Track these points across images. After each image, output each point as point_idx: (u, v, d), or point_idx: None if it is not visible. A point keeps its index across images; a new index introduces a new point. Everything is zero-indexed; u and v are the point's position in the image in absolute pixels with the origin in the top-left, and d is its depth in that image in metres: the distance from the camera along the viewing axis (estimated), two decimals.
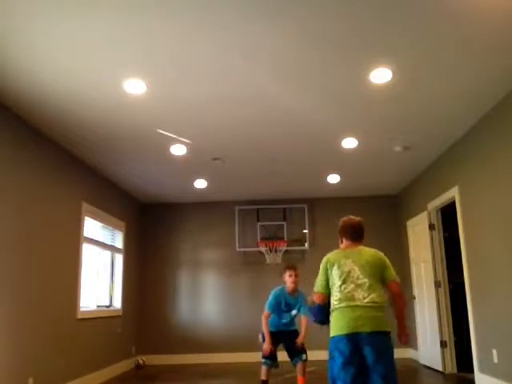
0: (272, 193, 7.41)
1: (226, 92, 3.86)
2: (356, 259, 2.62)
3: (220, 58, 3.33)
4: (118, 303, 6.68)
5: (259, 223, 7.61)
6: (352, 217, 2.88)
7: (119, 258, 6.84)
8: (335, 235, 8.08)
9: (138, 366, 6.97)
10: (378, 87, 3.80)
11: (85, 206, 5.55)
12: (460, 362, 5.70)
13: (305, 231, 7.63)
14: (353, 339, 2.42)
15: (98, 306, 6.08)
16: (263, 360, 4.66)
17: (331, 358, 2.50)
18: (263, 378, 4.69)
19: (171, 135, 4.73)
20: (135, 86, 3.69)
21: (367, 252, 2.69)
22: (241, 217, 7.74)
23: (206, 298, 7.64)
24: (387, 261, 2.69)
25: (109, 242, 6.54)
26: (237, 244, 7.60)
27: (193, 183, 6.64)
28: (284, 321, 4.55)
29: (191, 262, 7.75)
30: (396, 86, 3.80)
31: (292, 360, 4.56)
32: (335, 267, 2.63)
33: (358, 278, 2.56)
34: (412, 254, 6.85)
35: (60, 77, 3.53)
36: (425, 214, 6.20)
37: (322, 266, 2.71)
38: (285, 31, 3.03)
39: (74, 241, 5.28)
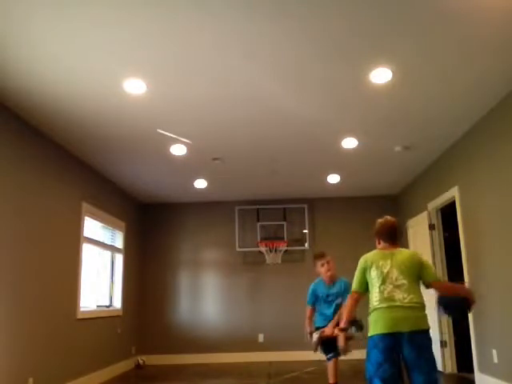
0: (272, 193, 7.41)
1: (225, 92, 3.86)
2: (394, 260, 2.67)
3: (220, 58, 3.33)
4: (118, 303, 6.68)
5: (259, 223, 7.61)
6: (388, 217, 2.93)
7: (119, 258, 6.84)
8: (335, 235, 8.06)
9: (138, 366, 6.97)
10: (378, 87, 3.80)
11: (85, 205, 5.55)
12: (460, 362, 5.70)
13: (305, 231, 7.63)
14: (393, 338, 2.47)
15: (98, 306, 6.08)
16: (328, 356, 4.18)
17: (369, 356, 2.55)
18: (332, 381, 4.23)
19: (171, 135, 4.73)
20: (135, 86, 3.69)
21: (405, 253, 2.74)
22: (241, 217, 7.73)
23: (206, 297, 7.64)
24: (425, 261, 2.75)
25: (109, 242, 6.54)
26: (237, 244, 7.60)
27: (193, 183, 6.64)
28: (328, 312, 4.23)
29: (191, 262, 7.75)
30: (396, 86, 3.80)
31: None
32: (373, 268, 2.68)
33: (396, 280, 2.60)
34: None
35: (60, 77, 3.53)
36: (425, 214, 6.20)
37: (359, 266, 2.77)
38: (285, 31, 3.03)
39: (74, 241, 5.28)
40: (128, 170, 5.96)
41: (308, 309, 4.35)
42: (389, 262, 2.66)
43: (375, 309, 2.59)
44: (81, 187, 5.49)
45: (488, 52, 3.32)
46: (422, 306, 2.58)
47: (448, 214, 5.84)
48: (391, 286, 2.58)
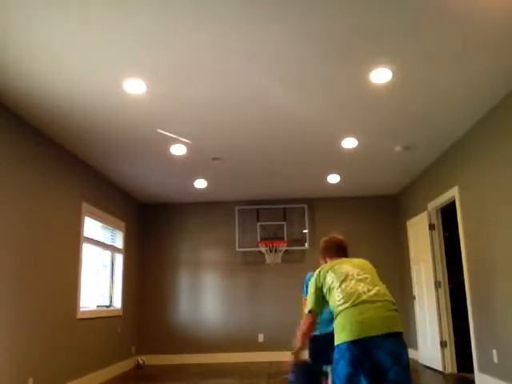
0: (272, 193, 7.41)
1: (226, 92, 3.86)
2: (351, 262, 2.45)
3: (220, 57, 3.33)
4: (118, 303, 6.69)
5: (259, 223, 7.61)
6: (335, 235, 2.75)
7: (119, 258, 6.84)
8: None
9: (138, 366, 6.97)
10: (378, 87, 3.81)
11: (85, 206, 5.55)
12: (460, 362, 5.70)
13: (305, 231, 7.63)
14: (363, 345, 2.11)
15: (97, 306, 6.08)
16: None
17: (335, 369, 2.19)
18: None
19: (171, 135, 4.73)
20: (135, 86, 3.69)
21: (358, 259, 2.50)
22: (241, 217, 7.74)
23: (206, 297, 7.64)
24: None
25: (109, 242, 6.54)
26: (237, 244, 7.60)
27: (193, 183, 6.64)
28: (324, 315, 3.60)
29: (191, 262, 7.75)
30: (396, 86, 3.80)
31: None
32: (329, 273, 2.39)
33: (358, 274, 2.33)
34: (412, 254, 6.85)
35: (60, 77, 3.53)
36: (425, 214, 6.20)
37: (311, 282, 2.47)
38: (285, 31, 3.03)
39: (74, 241, 5.28)
40: (128, 170, 5.96)
41: (304, 300, 3.72)
42: (345, 263, 2.42)
43: (339, 312, 2.23)
44: (81, 187, 5.49)
45: (488, 52, 3.32)
46: (392, 302, 2.23)
47: (448, 213, 5.84)
48: (353, 281, 2.28)
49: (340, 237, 2.73)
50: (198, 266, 7.73)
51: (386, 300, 2.22)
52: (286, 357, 2.88)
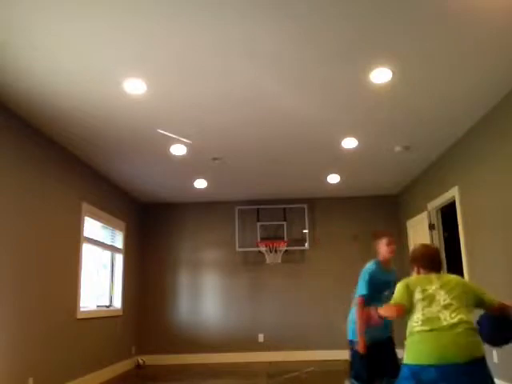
0: (272, 193, 7.41)
1: (226, 92, 3.86)
2: (441, 281, 2.38)
3: (220, 57, 3.33)
4: (118, 303, 6.69)
5: (259, 223, 7.61)
6: (427, 244, 2.70)
7: (119, 258, 6.84)
8: (335, 235, 8.01)
9: (138, 366, 6.97)
10: (378, 87, 3.80)
11: (85, 206, 5.55)
12: None
13: (305, 231, 7.63)
14: (440, 371, 2.05)
15: (97, 306, 6.08)
16: (353, 381, 3.33)
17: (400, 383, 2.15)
18: None
19: (171, 135, 4.73)
20: (135, 86, 3.69)
21: (452, 277, 2.44)
22: (241, 217, 7.73)
23: (206, 297, 7.64)
24: (475, 284, 2.49)
25: (109, 242, 6.54)
26: (237, 244, 7.60)
27: (193, 183, 6.64)
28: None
29: (191, 261, 7.75)
30: (396, 86, 3.80)
31: (383, 379, 3.26)
32: (418, 290, 2.36)
33: (444, 300, 2.28)
34: None
35: (60, 77, 3.53)
36: (425, 214, 6.20)
37: (401, 285, 2.45)
38: (285, 31, 3.03)
39: (73, 241, 5.28)
40: (128, 170, 5.96)
41: (361, 299, 3.27)
42: (435, 283, 2.37)
43: (415, 332, 2.23)
44: (81, 187, 5.49)
45: (488, 52, 3.32)
46: (475, 329, 2.20)
47: (448, 213, 5.84)
48: (437, 307, 2.25)
49: (434, 248, 2.65)
50: (198, 265, 7.73)
51: (466, 328, 2.18)
52: None
